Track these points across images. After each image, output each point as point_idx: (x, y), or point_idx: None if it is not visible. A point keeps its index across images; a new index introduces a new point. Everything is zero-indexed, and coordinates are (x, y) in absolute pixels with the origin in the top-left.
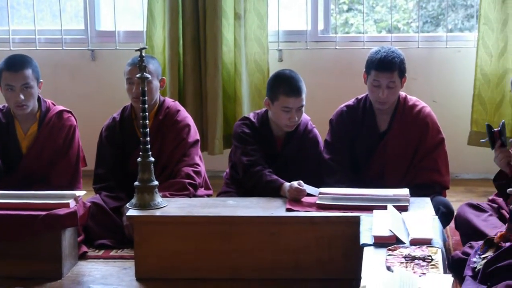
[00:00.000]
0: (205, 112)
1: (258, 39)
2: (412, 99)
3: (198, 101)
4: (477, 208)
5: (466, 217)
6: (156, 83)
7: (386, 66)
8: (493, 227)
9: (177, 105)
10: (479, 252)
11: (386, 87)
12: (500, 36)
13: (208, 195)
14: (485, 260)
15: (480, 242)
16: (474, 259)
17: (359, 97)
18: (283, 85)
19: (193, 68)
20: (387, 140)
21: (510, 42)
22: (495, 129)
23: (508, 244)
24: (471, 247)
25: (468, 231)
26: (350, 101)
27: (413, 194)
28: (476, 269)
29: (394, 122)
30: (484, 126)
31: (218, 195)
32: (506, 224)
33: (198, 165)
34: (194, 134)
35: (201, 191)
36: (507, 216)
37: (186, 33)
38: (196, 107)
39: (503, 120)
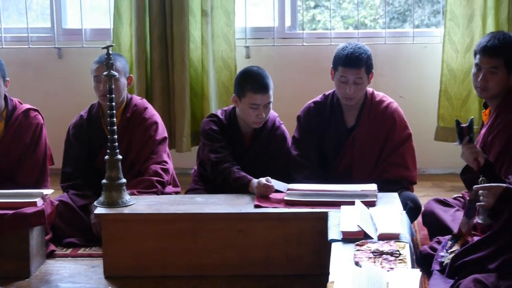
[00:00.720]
0: (173, 109)
1: (225, 36)
2: (379, 94)
3: (165, 99)
4: (444, 203)
5: (434, 212)
6: (123, 81)
7: (353, 62)
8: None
9: (145, 102)
10: (446, 247)
11: (353, 83)
12: (466, 32)
13: (176, 193)
14: (452, 255)
15: (447, 237)
16: (442, 254)
17: (327, 93)
18: (250, 82)
19: (160, 66)
20: (355, 135)
21: (476, 38)
22: (464, 125)
23: (475, 238)
24: (439, 242)
25: (436, 227)
26: (318, 97)
27: (381, 189)
28: (444, 264)
29: (361, 117)
30: (451, 122)
31: (186, 192)
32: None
33: (166, 162)
34: (162, 131)
35: (169, 188)
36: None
37: (153, 30)
38: (164, 105)
39: (471, 117)
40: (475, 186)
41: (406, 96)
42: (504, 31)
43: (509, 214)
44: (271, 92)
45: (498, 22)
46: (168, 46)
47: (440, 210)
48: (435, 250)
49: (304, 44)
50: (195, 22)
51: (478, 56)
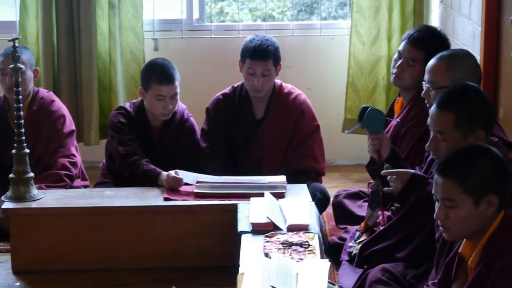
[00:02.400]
0: (81, 102)
1: (133, 29)
2: (288, 86)
3: (73, 92)
4: (352, 195)
5: (342, 204)
6: (29, 74)
7: (261, 54)
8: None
9: (52, 95)
10: (354, 238)
11: (261, 75)
12: (373, 24)
13: (85, 186)
14: (360, 245)
15: (356, 227)
16: (350, 244)
17: (235, 85)
18: (156, 73)
19: (67, 58)
20: (264, 127)
21: (382, 30)
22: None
23: (382, 227)
24: (347, 231)
25: (344, 217)
26: (226, 89)
27: (290, 180)
28: (353, 254)
29: (270, 109)
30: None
31: (95, 185)
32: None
33: (74, 155)
34: (70, 124)
35: (78, 182)
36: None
37: (60, 22)
38: (71, 98)
39: (363, 105)
40: (383, 171)
41: (314, 88)
42: (437, 27)
43: (414, 200)
44: (177, 83)
45: (404, 14)
46: (75, 38)
47: (347, 201)
48: (343, 240)
49: (212, 36)
50: (103, 14)
51: (402, 43)
